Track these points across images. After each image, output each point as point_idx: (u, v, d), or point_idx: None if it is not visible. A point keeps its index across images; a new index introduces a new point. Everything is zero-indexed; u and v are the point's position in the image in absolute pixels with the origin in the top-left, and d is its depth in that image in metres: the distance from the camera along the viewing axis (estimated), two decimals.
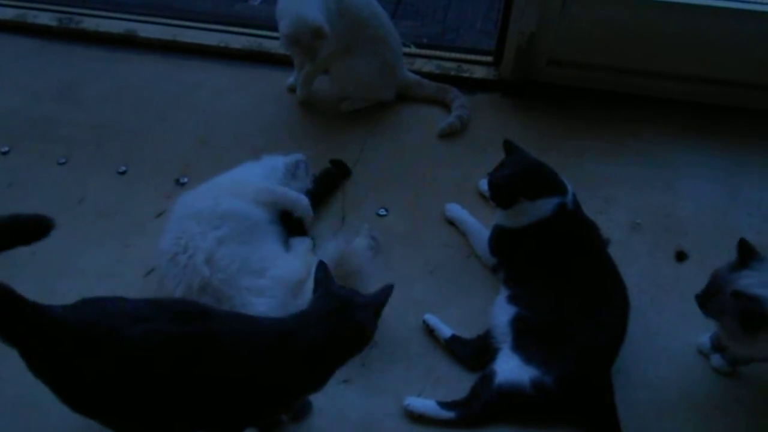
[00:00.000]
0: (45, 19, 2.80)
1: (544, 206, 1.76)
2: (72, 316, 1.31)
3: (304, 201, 1.97)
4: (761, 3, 2.27)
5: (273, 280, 1.72)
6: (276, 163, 2.04)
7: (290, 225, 1.98)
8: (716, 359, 1.75)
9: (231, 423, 1.38)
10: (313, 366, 1.36)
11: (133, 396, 1.31)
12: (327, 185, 2.15)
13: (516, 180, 1.75)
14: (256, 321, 1.43)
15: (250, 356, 1.33)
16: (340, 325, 1.35)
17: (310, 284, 1.73)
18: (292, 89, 2.50)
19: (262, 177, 2.00)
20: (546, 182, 1.77)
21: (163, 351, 1.29)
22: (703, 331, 1.80)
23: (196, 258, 1.71)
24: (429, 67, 2.60)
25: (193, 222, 1.78)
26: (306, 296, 1.75)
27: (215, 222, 1.77)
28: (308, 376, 1.38)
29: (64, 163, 2.27)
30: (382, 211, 2.12)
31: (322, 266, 1.45)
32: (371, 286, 1.79)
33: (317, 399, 1.67)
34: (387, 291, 1.41)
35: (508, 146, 1.84)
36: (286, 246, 1.92)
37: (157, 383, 1.30)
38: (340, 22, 2.21)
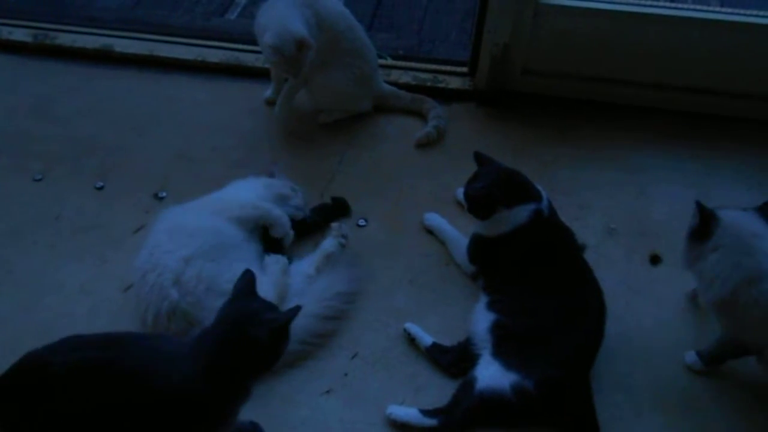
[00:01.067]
0: (20, 35, 2.79)
1: (521, 213, 1.79)
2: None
3: (286, 222, 1.95)
4: (731, 13, 2.34)
5: None
6: (270, 185, 2.04)
7: (268, 242, 1.96)
8: (690, 357, 1.78)
9: None
10: (212, 380, 1.32)
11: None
12: (322, 218, 2.09)
13: (492, 190, 1.77)
14: (162, 342, 1.41)
15: (149, 377, 1.31)
16: (230, 338, 1.33)
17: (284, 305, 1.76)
18: (269, 102, 2.51)
19: (253, 195, 1.99)
20: (521, 189, 1.80)
21: (66, 381, 1.29)
22: (679, 332, 1.84)
23: (164, 278, 1.68)
24: (405, 78, 2.63)
25: (164, 238, 1.76)
26: None
27: (184, 240, 1.74)
28: (212, 392, 1.33)
29: (40, 180, 2.25)
30: (362, 222, 2.13)
31: (246, 275, 1.43)
32: (347, 282, 1.84)
33: (300, 409, 1.68)
34: (293, 311, 1.37)
35: (479, 157, 1.87)
36: (261, 264, 1.89)
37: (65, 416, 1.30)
38: (319, 35, 2.24)
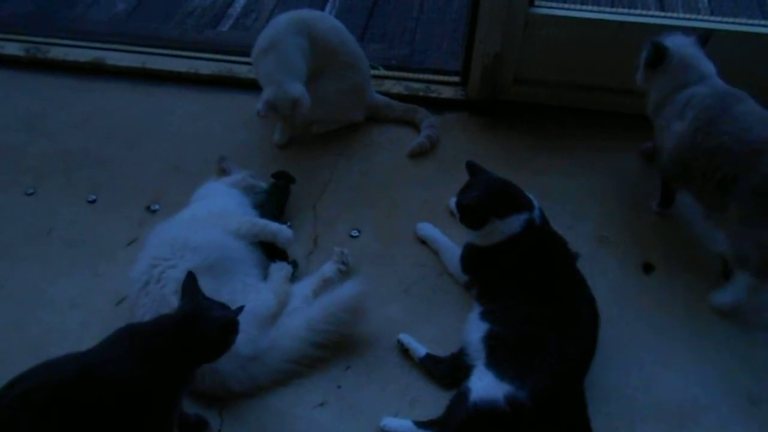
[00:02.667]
0: (12, 49, 2.79)
1: (513, 223, 1.79)
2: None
3: (287, 232, 1.96)
4: (720, 21, 2.36)
5: (242, 314, 1.72)
6: (236, 182, 2.10)
7: (271, 249, 1.97)
8: (721, 297, 1.92)
9: None
10: (160, 365, 1.41)
11: None
12: (280, 196, 2.17)
13: (484, 200, 1.77)
14: (120, 336, 1.48)
15: (114, 370, 1.39)
16: (183, 333, 1.43)
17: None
18: (280, 146, 2.49)
19: (233, 203, 2.01)
20: (513, 199, 1.80)
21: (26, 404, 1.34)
22: (673, 340, 1.84)
23: (167, 289, 1.69)
24: (398, 88, 2.64)
25: (166, 251, 1.76)
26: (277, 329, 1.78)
27: (188, 253, 1.75)
28: (160, 378, 1.42)
29: (32, 194, 2.24)
30: (355, 233, 2.13)
31: (190, 276, 1.53)
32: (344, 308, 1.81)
33: (294, 422, 1.68)
34: (237, 310, 1.49)
35: (472, 167, 1.87)
36: (265, 272, 1.91)
37: None
38: (313, 53, 2.30)
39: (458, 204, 1.83)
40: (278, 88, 2.20)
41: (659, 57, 2.02)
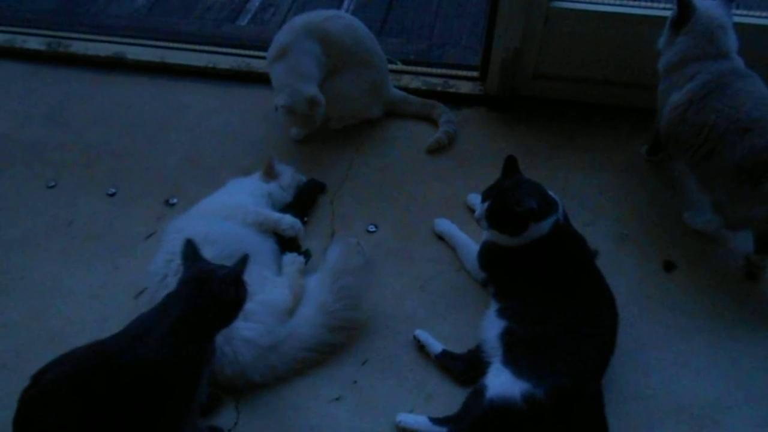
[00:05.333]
0: (34, 43, 2.82)
1: (544, 226, 1.75)
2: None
3: (288, 220, 1.98)
4: (745, 15, 2.30)
5: (260, 305, 1.72)
6: (288, 186, 2.15)
7: (284, 242, 2.00)
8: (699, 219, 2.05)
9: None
10: (182, 336, 1.41)
11: None
12: (306, 196, 2.19)
13: (540, 208, 1.70)
14: (139, 320, 1.48)
15: (136, 349, 1.38)
16: (196, 297, 1.44)
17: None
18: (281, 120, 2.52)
19: (250, 197, 2.03)
20: (547, 202, 1.75)
21: (58, 389, 1.35)
22: (693, 341, 1.82)
23: None
24: (416, 83, 2.62)
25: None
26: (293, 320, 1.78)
27: (206, 247, 1.76)
28: (181, 348, 1.41)
29: (53, 187, 2.27)
30: (372, 228, 2.13)
31: (188, 243, 1.54)
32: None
33: (309, 417, 1.68)
34: (243, 261, 1.50)
35: (511, 163, 1.79)
36: (278, 264, 1.92)
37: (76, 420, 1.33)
38: (327, 57, 2.30)
39: (496, 210, 1.74)
40: (292, 90, 2.20)
41: (685, 15, 1.97)
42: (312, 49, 2.27)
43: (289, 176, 2.18)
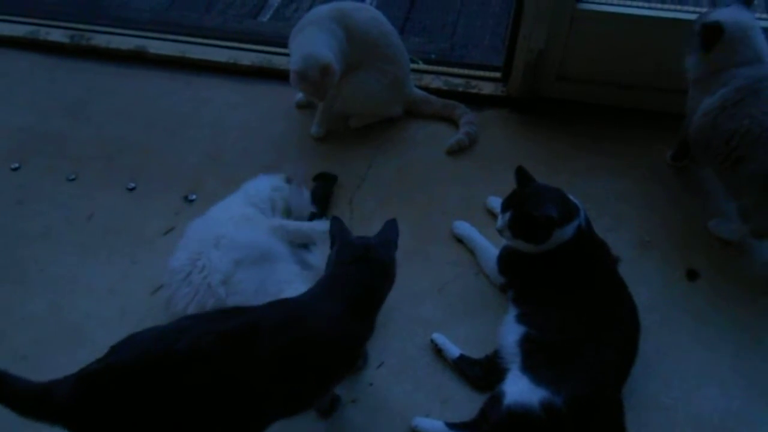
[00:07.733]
0: (57, 36, 2.83)
1: (567, 231, 1.73)
2: (113, 362, 1.27)
3: (320, 227, 1.95)
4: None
5: None
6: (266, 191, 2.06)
7: None
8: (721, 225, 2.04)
9: (312, 393, 1.43)
10: (358, 314, 1.42)
11: (215, 410, 1.26)
12: (324, 199, 2.16)
13: (561, 215, 1.69)
14: (286, 300, 1.46)
15: (298, 327, 1.36)
16: (366, 268, 1.45)
17: None
18: (300, 105, 2.51)
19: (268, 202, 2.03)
20: (568, 208, 1.73)
21: (219, 349, 1.27)
22: (716, 349, 1.78)
23: (212, 278, 1.69)
24: (437, 83, 2.60)
25: (210, 245, 1.76)
26: None
27: (235, 250, 1.76)
28: (355, 327, 1.43)
29: (73, 180, 2.28)
30: None
31: (336, 221, 1.55)
32: None
33: (325, 420, 1.67)
34: (392, 225, 1.54)
35: (522, 174, 1.78)
36: (301, 268, 1.89)
37: (232, 384, 1.28)
38: (350, 47, 2.27)
39: (531, 220, 1.70)
40: (307, 55, 2.14)
41: (714, 38, 1.93)
42: (335, 30, 2.24)
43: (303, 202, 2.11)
